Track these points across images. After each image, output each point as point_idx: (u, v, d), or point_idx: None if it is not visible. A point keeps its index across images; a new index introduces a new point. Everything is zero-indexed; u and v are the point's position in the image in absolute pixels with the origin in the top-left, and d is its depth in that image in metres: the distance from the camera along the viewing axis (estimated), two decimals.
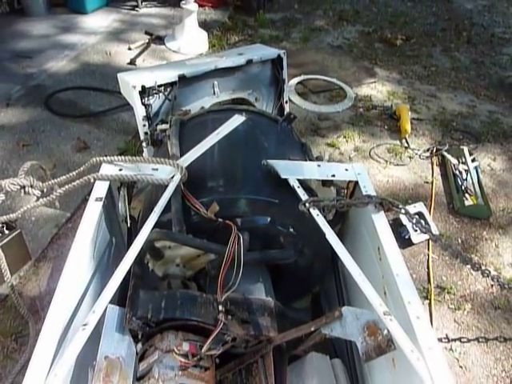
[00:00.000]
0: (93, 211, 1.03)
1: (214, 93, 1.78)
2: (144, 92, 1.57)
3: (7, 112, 2.45)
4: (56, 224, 1.87)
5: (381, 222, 1.09)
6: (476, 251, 1.94)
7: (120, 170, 1.13)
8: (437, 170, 2.39)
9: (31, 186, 1.15)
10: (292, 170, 1.17)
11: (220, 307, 0.96)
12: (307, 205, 1.06)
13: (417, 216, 1.13)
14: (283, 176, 1.13)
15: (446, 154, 2.42)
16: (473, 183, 2.22)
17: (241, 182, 1.17)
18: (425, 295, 1.71)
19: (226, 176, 1.17)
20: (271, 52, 1.88)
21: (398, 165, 2.41)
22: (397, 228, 1.95)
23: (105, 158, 1.14)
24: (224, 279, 1.01)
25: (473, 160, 2.40)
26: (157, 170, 1.11)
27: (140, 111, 1.58)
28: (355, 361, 1.17)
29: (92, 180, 1.08)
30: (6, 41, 3.18)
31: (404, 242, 1.92)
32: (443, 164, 2.41)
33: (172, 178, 1.07)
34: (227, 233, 1.04)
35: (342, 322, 0.96)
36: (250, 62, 1.80)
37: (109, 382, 0.82)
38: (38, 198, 1.18)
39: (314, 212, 1.05)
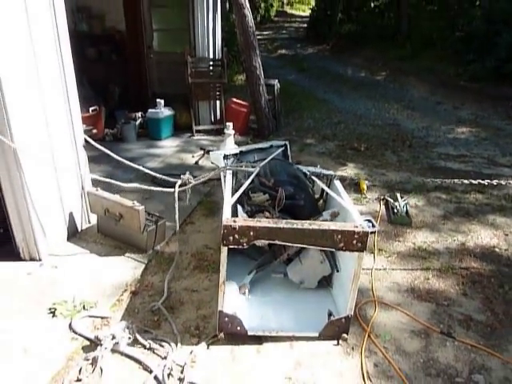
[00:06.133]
0: (229, 178, 2.70)
1: (254, 160, 3.58)
2: (225, 157, 3.37)
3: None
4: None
5: (339, 185, 2.75)
6: (402, 237, 3.47)
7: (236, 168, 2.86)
8: (382, 206, 4.04)
9: (190, 178, 2.86)
10: (304, 169, 2.90)
11: (276, 210, 2.57)
12: (309, 175, 2.75)
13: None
14: (303, 169, 2.86)
15: (387, 197, 4.11)
16: (401, 209, 3.84)
17: (280, 174, 2.87)
18: (372, 253, 3.21)
19: (275, 173, 2.88)
20: (281, 142, 3.75)
21: (359, 204, 4.08)
22: None
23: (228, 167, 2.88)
24: (277, 206, 2.63)
25: (404, 200, 4.06)
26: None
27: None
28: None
29: (224, 171, 2.79)
30: (116, 154, 5.19)
31: None
32: (386, 203, 4.07)
33: (254, 171, 2.77)
34: (277, 191, 2.70)
35: (323, 217, 2.55)
36: (271, 146, 3.65)
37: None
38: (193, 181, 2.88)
39: (314, 179, 2.73)
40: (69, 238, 3.20)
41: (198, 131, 6.16)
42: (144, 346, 2.21)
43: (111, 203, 2.99)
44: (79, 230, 3.32)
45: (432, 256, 3.21)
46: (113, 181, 3.08)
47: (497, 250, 3.31)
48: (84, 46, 6.73)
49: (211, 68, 6.23)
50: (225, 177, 2.89)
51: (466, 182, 3.31)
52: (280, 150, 3.64)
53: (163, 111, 5.81)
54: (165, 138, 5.87)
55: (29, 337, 2.25)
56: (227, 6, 10.62)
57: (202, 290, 2.71)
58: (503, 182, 3.43)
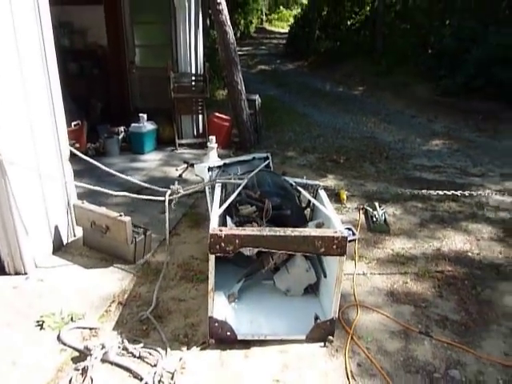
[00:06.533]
0: (218, 190, 2.78)
1: (238, 172, 3.67)
2: (209, 169, 3.45)
3: (115, 199, 4.27)
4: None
5: (324, 195, 2.87)
6: (381, 244, 3.62)
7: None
8: (362, 215, 4.19)
9: (179, 188, 2.92)
10: (291, 180, 3.00)
11: (264, 221, 2.66)
12: (295, 186, 2.86)
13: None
14: (289, 181, 2.96)
15: (366, 207, 4.27)
16: (380, 217, 4.00)
17: (267, 185, 2.97)
18: (353, 260, 3.33)
19: (261, 184, 2.97)
20: (264, 154, 3.87)
21: (340, 214, 4.22)
22: None
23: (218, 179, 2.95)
24: (265, 217, 2.72)
25: (382, 209, 4.23)
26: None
27: (207, 178, 3.43)
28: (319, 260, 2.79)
29: (215, 183, 2.87)
30: (98, 168, 5.21)
31: None
32: (365, 212, 4.22)
33: (242, 183, 2.86)
34: (263, 203, 2.79)
35: (309, 227, 2.66)
36: (254, 158, 3.76)
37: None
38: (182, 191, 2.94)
39: (300, 189, 2.84)
40: (54, 252, 3.20)
41: (181, 145, 6.23)
42: (133, 355, 2.24)
43: (97, 215, 3.02)
44: (64, 243, 3.33)
45: (409, 261, 3.35)
46: (102, 189, 3.11)
47: (469, 254, 3.49)
48: (66, 61, 6.73)
49: (193, 83, 6.35)
50: (209, 189, 2.96)
51: (441, 193, 3.51)
52: (264, 162, 3.77)
53: (146, 125, 5.87)
54: (148, 152, 5.92)
55: (17, 349, 2.26)
56: (208, 22, 10.84)
57: (190, 299, 2.76)
58: (474, 193, 3.68)
